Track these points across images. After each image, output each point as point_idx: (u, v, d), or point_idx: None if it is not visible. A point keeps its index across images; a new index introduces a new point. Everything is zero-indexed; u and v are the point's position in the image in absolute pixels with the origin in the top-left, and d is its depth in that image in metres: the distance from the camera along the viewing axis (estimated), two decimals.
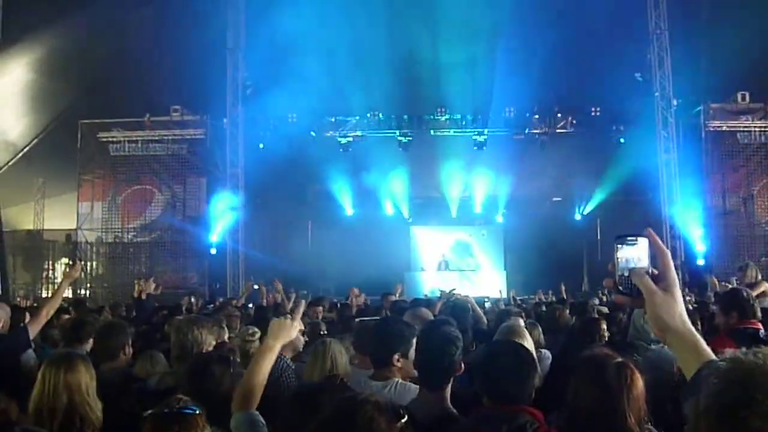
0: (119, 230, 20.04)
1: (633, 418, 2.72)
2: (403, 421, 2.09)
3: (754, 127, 18.59)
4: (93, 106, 19.07)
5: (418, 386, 3.50)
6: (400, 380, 3.71)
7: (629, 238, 1.70)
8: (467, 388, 3.47)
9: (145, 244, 19.92)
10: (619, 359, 2.89)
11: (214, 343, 4.40)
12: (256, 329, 5.35)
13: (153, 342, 4.90)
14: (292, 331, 3.29)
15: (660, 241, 1.70)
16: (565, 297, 12.63)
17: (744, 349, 1.36)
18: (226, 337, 5.32)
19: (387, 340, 3.84)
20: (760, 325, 5.65)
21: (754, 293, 6.60)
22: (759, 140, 18.64)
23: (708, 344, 1.66)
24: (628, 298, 1.70)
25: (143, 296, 8.60)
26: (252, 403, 3.06)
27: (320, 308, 8.71)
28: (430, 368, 3.47)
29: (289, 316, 3.40)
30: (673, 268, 1.67)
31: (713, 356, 1.58)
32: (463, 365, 3.45)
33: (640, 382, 2.81)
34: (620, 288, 1.70)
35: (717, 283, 10.60)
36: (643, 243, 1.70)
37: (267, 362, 3.17)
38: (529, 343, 3.88)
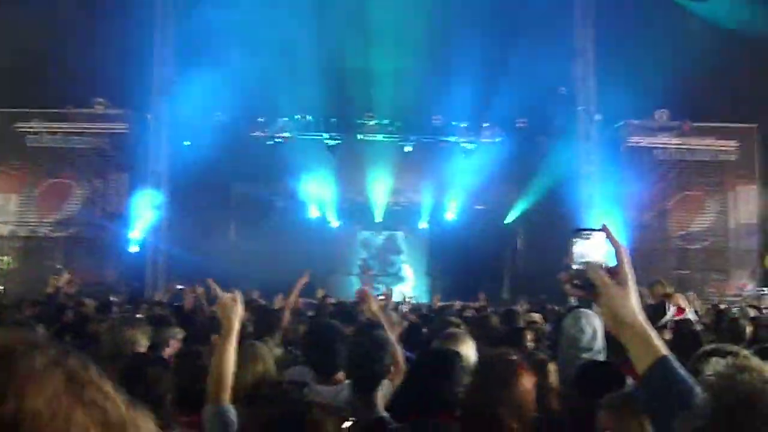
0: (35, 224, 19.32)
1: (511, 414, 2.68)
2: (348, 423, 2.09)
3: (671, 144, 19.27)
4: (10, 96, 18.36)
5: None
6: (347, 382, 3.71)
7: (585, 232, 1.74)
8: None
9: (62, 240, 19.20)
10: (511, 357, 2.87)
11: (146, 343, 4.32)
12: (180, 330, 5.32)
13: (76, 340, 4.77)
14: (237, 305, 3.24)
15: (616, 237, 1.74)
16: (485, 305, 12.70)
17: (730, 360, 1.40)
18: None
19: (333, 350, 3.84)
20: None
21: (672, 309, 6.84)
22: (674, 157, 19.32)
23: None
24: (583, 291, 1.72)
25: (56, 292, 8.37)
26: (223, 394, 3.01)
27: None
28: (362, 372, 3.49)
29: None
30: (628, 263, 1.70)
31: (667, 352, 1.62)
32: (393, 369, 3.48)
33: (525, 381, 2.78)
34: (575, 282, 1.72)
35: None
36: (598, 237, 1.73)
37: (229, 347, 3.11)
38: (471, 350, 3.91)
